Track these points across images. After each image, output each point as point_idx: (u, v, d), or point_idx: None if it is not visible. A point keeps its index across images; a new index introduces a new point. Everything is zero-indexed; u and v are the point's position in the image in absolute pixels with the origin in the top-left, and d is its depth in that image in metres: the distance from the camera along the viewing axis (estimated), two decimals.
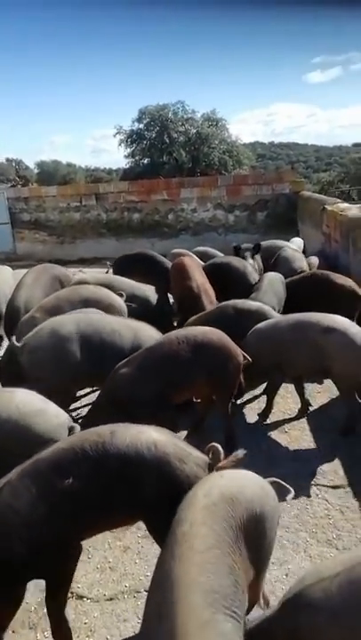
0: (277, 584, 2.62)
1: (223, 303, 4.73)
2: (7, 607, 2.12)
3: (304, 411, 4.33)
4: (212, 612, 1.55)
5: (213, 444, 2.38)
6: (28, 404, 2.78)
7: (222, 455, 2.34)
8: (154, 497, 2.15)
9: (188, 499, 1.96)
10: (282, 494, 2.28)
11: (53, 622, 2.22)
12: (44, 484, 2.08)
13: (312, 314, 4.09)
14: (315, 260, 6.64)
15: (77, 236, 12.74)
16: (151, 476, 2.16)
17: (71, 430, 2.81)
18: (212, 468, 2.30)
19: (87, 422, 3.65)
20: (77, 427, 2.87)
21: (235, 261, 5.97)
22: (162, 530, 2.02)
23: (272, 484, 2.21)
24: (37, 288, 5.49)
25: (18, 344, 3.83)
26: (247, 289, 5.36)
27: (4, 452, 2.51)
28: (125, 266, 6.49)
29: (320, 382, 4.76)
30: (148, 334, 4.03)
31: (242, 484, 2.07)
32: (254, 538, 1.92)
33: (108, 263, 7.02)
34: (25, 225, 13.01)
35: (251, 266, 5.98)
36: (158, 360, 3.62)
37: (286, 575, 2.68)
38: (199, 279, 5.27)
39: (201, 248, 7.68)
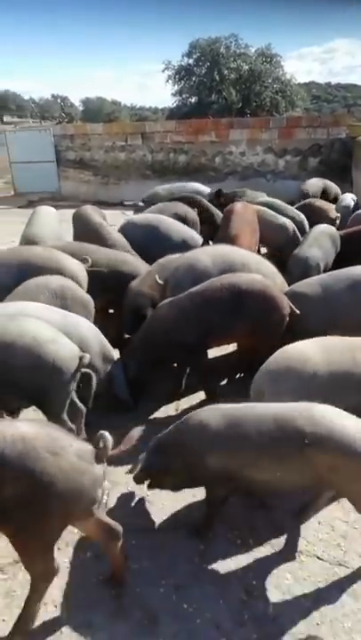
0: None
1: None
2: None
3: None
4: None
5: (102, 432, 2.16)
6: (43, 332, 2.91)
7: (110, 443, 2.15)
8: (16, 498, 1.92)
9: None
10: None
11: None
12: None
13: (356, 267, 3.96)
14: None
15: (122, 177, 12.55)
16: (15, 474, 1.92)
17: (81, 359, 2.92)
18: (100, 457, 2.14)
19: (125, 359, 3.75)
20: (87, 356, 2.97)
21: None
22: (23, 539, 2.01)
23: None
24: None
25: (160, 282, 4.04)
26: None
27: (19, 376, 2.76)
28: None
29: None
30: (272, 272, 4.21)
31: None
32: None
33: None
34: (70, 164, 12.88)
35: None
36: (199, 305, 3.61)
37: None
38: (238, 230, 5.06)
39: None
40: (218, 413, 2.52)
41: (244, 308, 3.57)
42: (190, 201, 6.67)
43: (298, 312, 3.72)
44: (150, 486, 2.74)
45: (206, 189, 7.93)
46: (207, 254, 4.13)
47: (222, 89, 26.91)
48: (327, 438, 2.28)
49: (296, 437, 2.29)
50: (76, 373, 2.95)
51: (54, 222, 6.03)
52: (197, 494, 2.95)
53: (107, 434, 2.14)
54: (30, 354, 2.80)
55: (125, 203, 11.64)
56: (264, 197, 7.05)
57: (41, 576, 2.16)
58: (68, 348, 2.94)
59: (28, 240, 5.28)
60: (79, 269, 4.18)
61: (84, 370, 2.99)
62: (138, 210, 7.50)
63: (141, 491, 3.00)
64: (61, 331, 3.04)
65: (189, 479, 2.62)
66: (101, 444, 2.12)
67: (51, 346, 2.86)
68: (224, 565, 2.54)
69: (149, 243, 5.05)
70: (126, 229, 5.43)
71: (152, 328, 3.74)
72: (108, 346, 3.59)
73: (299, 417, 2.34)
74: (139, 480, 2.73)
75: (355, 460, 2.26)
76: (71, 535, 2.68)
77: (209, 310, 3.57)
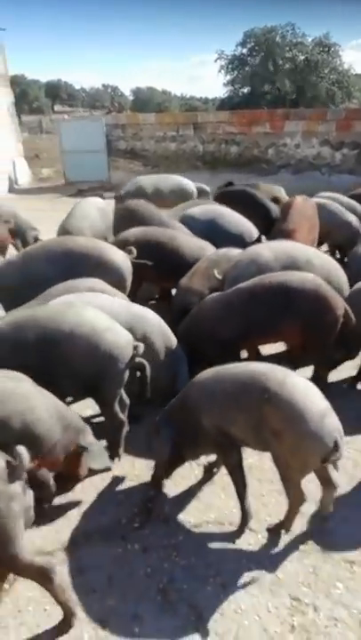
0: None
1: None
2: None
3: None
4: None
5: (17, 446, 2.04)
6: (100, 321, 2.95)
7: (26, 458, 2.02)
8: None
9: None
10: None
11: None
12: None
13: None
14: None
15: (171, 168, 12.49)
16: None
17: (136, 348, 2.95)
18: (15, 474, 2.02)
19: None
20: (141, 345, 2.98)
21: None
22: None
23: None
24: None
25: (219, 276, 3.97)
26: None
27: (76, 365, 2.80)
28: (226, 202, 6.25)
29: None
30: (335, 268, 4.13)
31: None
32: None
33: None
34: (120, 153, 12.96)
35: None
36: (245, 301, 3.54)
37: None
38: (295, 225, 4.95)
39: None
40: (210, 371, 2.75)
41: (293, 308, 3.48)
42: (244, 194, 6.55)
43: (352, 318, 3.59)
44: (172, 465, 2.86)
45: (190, 184, 7.80)
46: (269, 249, 4.05)
47: (276, 79, 26.32)
48: (284, 403, 2.36)
49: (260, 391, 2.42)
50: (130, 362, 2.96)
51: (95, 215, 5.90)
52: None
53: (22, 449, 2.03)
54: (89, 343, 2.83)
55: None
56: (325, 192, 6.79)
57: (36, 578, 2.13)
58: (123, 336, 2.96)
59: (63, 232, 5.35)
60: (122, 260, 4.16)
61: (138, 359, 3.00)
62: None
63: (188, 487, 3.00)
64: (126, 324, 3.07)
65: (201, 444, 2.75)
66: (17, 461, 2.01)
67: (108, 334, 2.89)
68: (273, 569, 2.48)
69: (209, 235, 4.99)
70: (186, 221, 5.40)
71: (195, 321, 3.71)
72: (174, 340, 3.55)
73: (271, 376, 2.46)
74: (157, 478, 2.88)
75: (300, 435, 2.34)
76: (117, 526, 2.71)
77: (256, 307, 3.50)
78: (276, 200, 6.62)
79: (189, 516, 2.78)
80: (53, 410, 2.55)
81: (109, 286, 3.72)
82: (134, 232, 4.80)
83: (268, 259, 3.93)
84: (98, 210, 6.10)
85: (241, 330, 3.52)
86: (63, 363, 2.79)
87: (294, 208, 5.11)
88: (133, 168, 12.99)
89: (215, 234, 5.05)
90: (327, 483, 2.62)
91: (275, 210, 6.13)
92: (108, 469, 2.88)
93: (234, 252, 4.31)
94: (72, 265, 3.92)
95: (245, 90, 28.26)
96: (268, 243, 4.26)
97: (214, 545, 2.61)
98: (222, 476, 3.03)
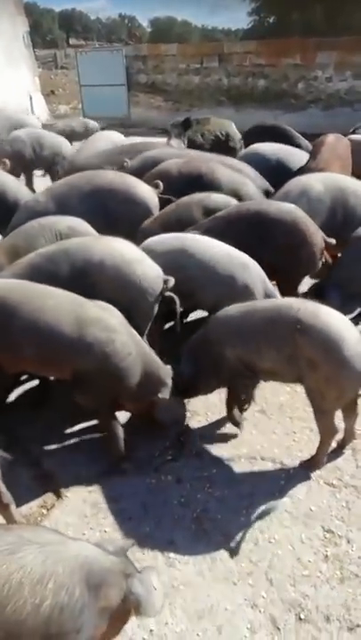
0: None
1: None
2: None
3: None
4: None
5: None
6: (132, 252, 2.95)
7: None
8: None
9: None
10: None
11: None
12: None
13: None
14: None
15: (194, 104, 11.90)
16: None
17: (166, 282, 2.93)
18: None
19: None
20: (172, 279, 2.95)
21: None
22: None
23: None
24: None
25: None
26: None
27: (106, 293, 2.76)
28: (256, 138, 5.95)
29: None
30: None
31: None
32: None
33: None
34: (141, 88, 12.34)
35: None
36: (221, 227, 3.47)
37: None
38: (325, 163, 4.68)
39: None
40: (234, 306, 2.73)
41: (268, 239, 3.34)
42: (278, 131, 6.25)
43: (333, 242, 3.48)
44: (187, 394, 2.91)
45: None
46: (318, 181, 3.94)
47: (306, 6, 24.36)
48: (319, 332, 2.33)
49: (291, 322, 2.38)
50: (160, 295, 2.96)
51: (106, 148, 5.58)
52: (277, 430, 2.92)
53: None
54: (118, 273, 2.85)
55: None
56: None
57: None
58: (153, 269, 2.95)
59: (70, 167, 5.19)
60: (150, 196, 4.03)
61: (168, 293, 2.98)
62: None
63: (219, 422, 3.01)
64: (226, 270, 3.06)
65: (219, 376, 2.76)
66: None
67: (137, 266, 2.89)
68: (305, 503, 2.50)
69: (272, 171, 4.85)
70: (249, 159, 5.12)
71: None
72: (274, 292, 3.36)
73: (303, 308, 2.43)
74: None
75: (337, 363, 2.30)
76: (150, 459, 2.75)
77: (228, 232, 3.35)
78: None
79: (222, 451, 2.81)
80: (131, 350, 2.57)
81: (90, 227, 3.50)
82: (176, 162, 4.56)
83: (320, 191, 3.84)
84: (111, 144, 5.85)
85: None
86: (95, 293, 2.75)
87: (326, 146, 4.87)
88: (154, 103, 12.40)
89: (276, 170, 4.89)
90: (351, 410, 2.63)
91: (307, 146, 5.84)
92: (180, 426, 2.91)
93: (212, 198, 3.93)
94: (100, 200, 3.85)
95: (271, 19, 26.34)
96: (315, 174, 4.09)
97: (247, 478, 2.63)
98: (253, 412, 3.04)
